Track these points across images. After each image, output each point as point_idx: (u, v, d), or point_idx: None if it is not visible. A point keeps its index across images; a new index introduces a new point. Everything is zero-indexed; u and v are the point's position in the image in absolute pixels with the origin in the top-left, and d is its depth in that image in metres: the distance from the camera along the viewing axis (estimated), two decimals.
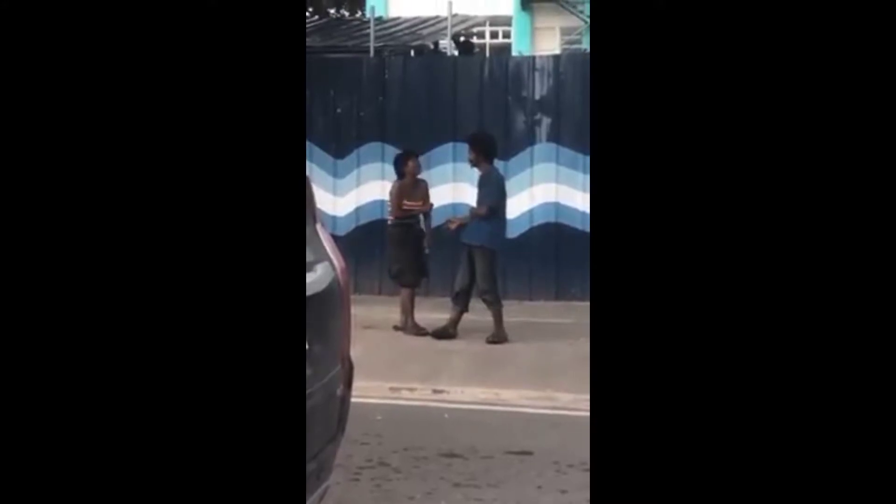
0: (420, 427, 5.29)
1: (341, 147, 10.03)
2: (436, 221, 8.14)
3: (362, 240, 9.71)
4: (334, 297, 3.04)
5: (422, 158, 8.62)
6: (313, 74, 9.22)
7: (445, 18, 11.20)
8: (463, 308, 7.71)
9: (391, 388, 6.17)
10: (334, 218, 9.80)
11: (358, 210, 10.00)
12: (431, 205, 8.11)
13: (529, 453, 4.80)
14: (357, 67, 10.20)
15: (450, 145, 9.74)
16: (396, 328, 7.91)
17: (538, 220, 9.69)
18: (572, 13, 16.79)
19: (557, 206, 9.65)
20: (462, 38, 13.08)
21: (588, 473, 1.94)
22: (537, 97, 9.74)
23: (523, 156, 9.71)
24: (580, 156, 9.41)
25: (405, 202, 7.94)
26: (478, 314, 7.72)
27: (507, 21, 17.92)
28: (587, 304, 2.23)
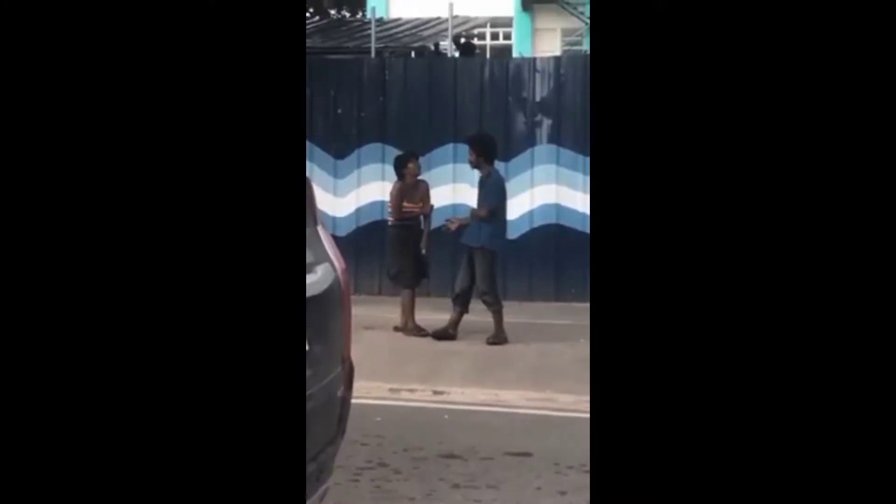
0: (420, 428, 5.29)
1: (342, 148, 10.04)
2: (436, 223, 8.14)
3: (363, 241, 9.72)
4: (335, 297, 3.04)
5: (422, 159, 8.63)
6: (314, 75, 9.26)
7: (446, 20, 11.21)
8: (463, 309, 7.71)
9: (391, 389, 6.17)
10: (334, 219, 9.81)
11: (358, 211, 10.01)
12: (431, 206, 8.10)
13: (529, 454, 4.79)
14: (358, 68, 10.21)
15: (450, 146, 9.75)
16: (396, 329, 7.91)
17: (538, 222, 9.70)
18: (573, 14, 16.79)
19: (558, 208, 9.66)
20: (463, 40, 13.09)
21: (588, 475, 1.94)
22: (538, 98, 9.75)
23: (524, 157, 9.72)
24: (580, 157, 9.42)
25: (405, 204, 7.94)
26: (478, 315, 7.72)
27: (507, 22, 17.93)
28: (587, 305, 2.23)
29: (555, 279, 9.57)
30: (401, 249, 7.96)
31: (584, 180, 9.29)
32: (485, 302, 7.62)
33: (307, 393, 2.46)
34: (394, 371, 6.57)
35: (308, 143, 9.61)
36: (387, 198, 8.44)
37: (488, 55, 16.39)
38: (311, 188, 3.08)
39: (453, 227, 7.91)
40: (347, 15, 18.29)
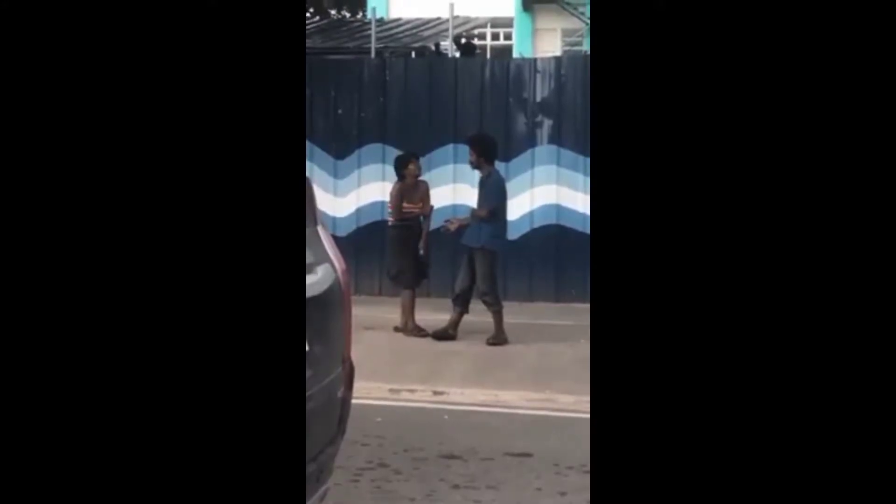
0: (420, 429, 5.29)
1: (342, 148, 10.04)
2: (436, 223, 8.13)
3: (363, 241, 9.72)
4: (335, 298, 3.04)
5: (422, 160, 8.63)
6: (314, 75, 9.27)
7: (447, 20, 11.21)
8: (463, 309, 7.71)
9: (391, 390, 6.17)
10: (335, 219, 9.81)
11: (358, 211, 10.01)
12: (431, 207, 8.09)
13: (529, 455, 4.79)
14: (358, 68, 10.21)
15: (450, 147, 9.75)
16: (397, 329, 7.91)
17: (539, 222, 9.71)
18: (573, 15, 16.79)
19: (558, 208, 9.66)
20: (464, 40, 13.09)
21: (588, 475, 1.94)
22: (538, 99, 9.75)
23: (524, 157, 9.72)
24: (581, 158, 9.42)
25: (405, 204, 7.94)
26: (478, 316, 7.72)
27: (508, 23, 17.93)
28: (587, 305, 2.23)
29: (555, 280, 9.57)
30: (401, 250, 7.96)
31: (585, 181, 9.29)
32: (485, 302, 7.62)
33: (307, 393, 2.46)
34: (394, 371, 6.57)
35: (308, 144, 9.62)
36: (387, 198, 8.44)
37: (489, 55, 16.39)
38: (311, 188, 3.08)
39: (453, 227, 7.90)
40: (348, 15, 18.31)
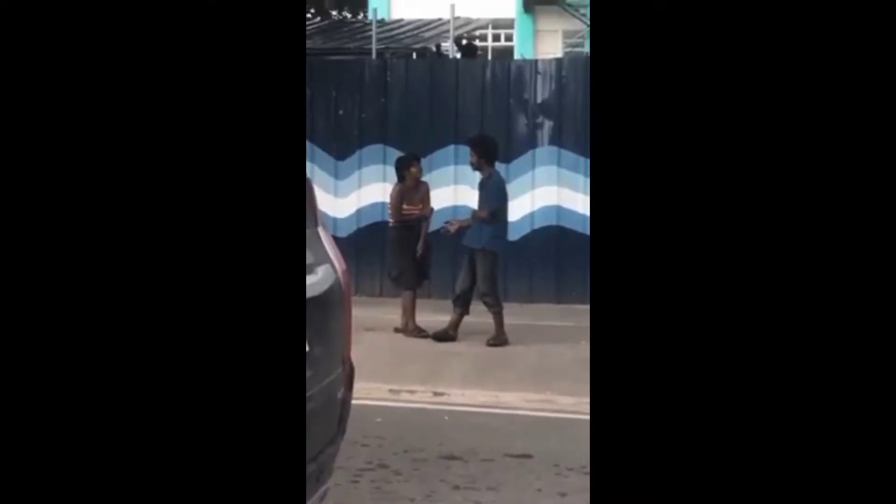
0: (420, 429, 5.29)
1: (343, 149, 10.04)
2: (437, 225, 8.13)
3: (363, 241, 9.73)
4: (335, 299, 3.04)
5: (423, 161, 8.64)
6: (315, 76, 9.27)
7: (448, 21, 11.22)
8: (463, 310, 7.71)
9: (391, 391, 6.17)
10: (335, 220, 9.81)
11: (359, 212, 10.02)
12: (431, 210, 8.08)
13: (529, 456, 4.79)
14: (359, 69, 10.21)
15: (451, 148, 9.76)
16: (397, 330, 7.92)
17: (539, 223, 9.71)
18: (574, 16, 16.80)
19: (559, 209, 9.67)
20: (465, 41, 13.09)
21: (588, 476, 1.94)
22: (539, 100, 9.75)
23: (525, 159, 9.72)
24: (582, 159, 9.43)
25: (404, 206, 7.94)
26: (478, 317, 7.72)
27: (509, 24, 17.95)
28: (588, 307, 2.23)
29: (555, 281, 9.58)
30: (401, 251, 7.96)
31: (585, 182, 9.29)
32: (485, 303, 7.62)
33: (307, 394, 2.46)
34: (394, 372, 6.57)
35: (309, 144, 9.63)
36: (388, 199, 8.43)
37: (490, 57, 16.40)
38: (311, 189, 3.08)
39: (453, 229, 7.90)
40: (349, 16, 18.33)
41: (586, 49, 15.69)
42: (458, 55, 11.53)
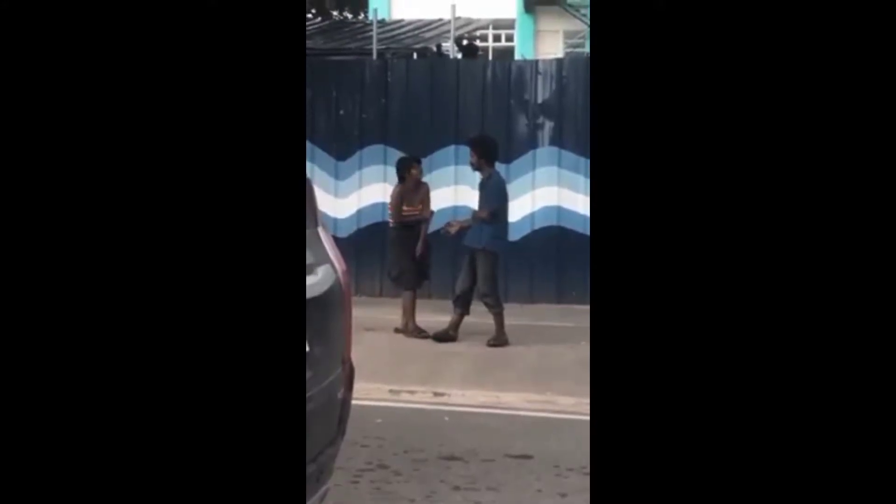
0: (420, 430, 5.28)
1: (343, 149, 10.04)
2: (437, 225, 8.12)
3: (363, 242, 9.73)
4: (335, 299, 3.04)
5: (424, 161, 8.63)
6: (316, 76, 9.27)
7: (448, 21, 11.22)
8: (464, 311, 7.71)
9: (391, 391, 6.17)
10: (335, 220, 9.81)
11: (359, 212, 10.02)
12: (432, 212, 8.08)
13: (529, 457, 4.79)
14: (360, 70, 10.21)
15: (452, 148, 9.75)
16: (397, 330, 7.91)
17: (540, 224, 9.71)
18: (575, 17, 16.80)
19: (559, 210, 9.67)
20: (465, 42, 13.09)
21: (588, 477, 1.94)
22: (540, 100, 9.75)
23: (525, 159, 9.72)
24: (582, 159, 9.43)
25: (404, 207, 7.93)
26: (478, 317, 7.72)
27: (510, 24, 17.95)
28: (588, 307, 2.23)
29: (556, 281, 9.58)
30: (401, 251, 7.96)
31: (586, 182, 9.29)
32: (486, 304, 7.62)
33: (307, 394, 2.46)
34: (394, 372, 6.57)
35: (309, 145, 9.63)
36: (388, 200, 8.43)
37: (490, 57, 16.40)
38: (311, 189, 3.08)
39: (453, 230, 7.90)
40: (349, 16, 18.34)
41: (587, 49, 15.69)
42: (459, 55, 11.54)
